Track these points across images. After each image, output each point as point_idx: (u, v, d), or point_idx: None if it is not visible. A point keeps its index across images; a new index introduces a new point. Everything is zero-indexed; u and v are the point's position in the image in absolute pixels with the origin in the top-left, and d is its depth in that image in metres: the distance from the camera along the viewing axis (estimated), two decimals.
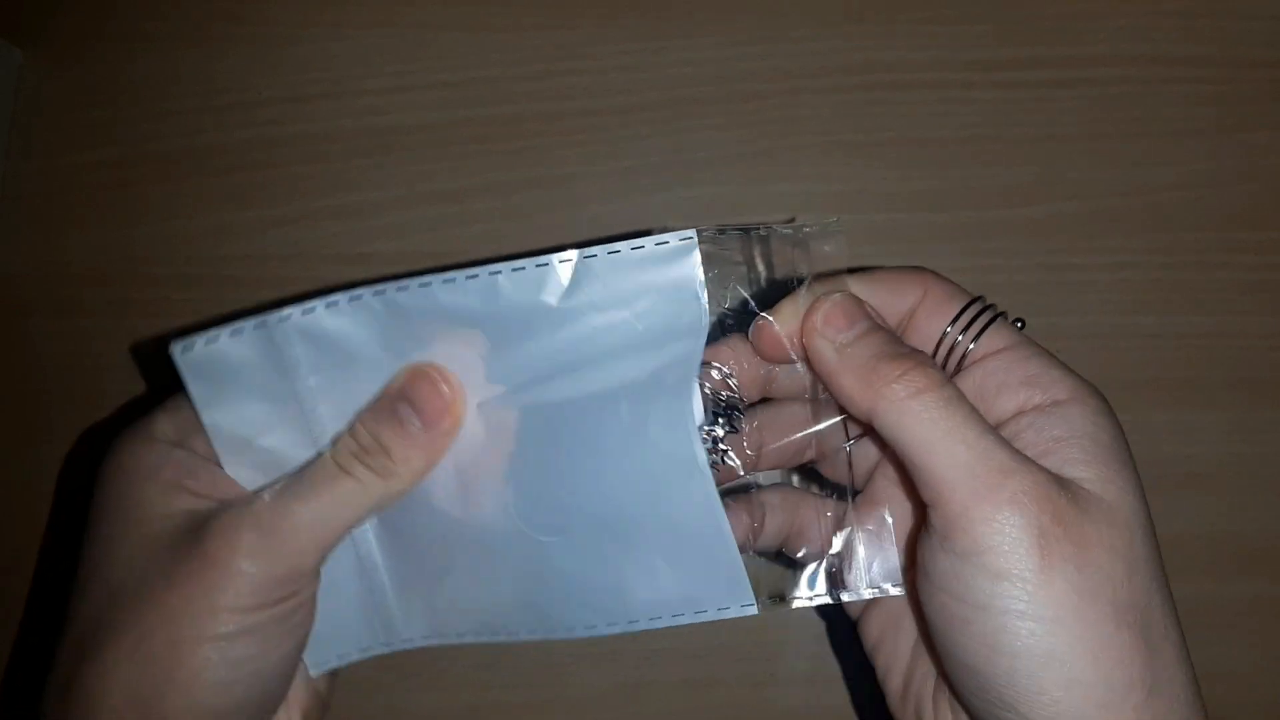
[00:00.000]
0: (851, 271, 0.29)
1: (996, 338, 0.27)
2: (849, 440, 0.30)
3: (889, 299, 0.28)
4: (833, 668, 0.39)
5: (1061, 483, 0.24)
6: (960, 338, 0.28)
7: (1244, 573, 0.39)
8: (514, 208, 0.41)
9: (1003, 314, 0.28)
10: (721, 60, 0.42)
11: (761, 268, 0.29)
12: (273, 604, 0.26)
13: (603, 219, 0.41)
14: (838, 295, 0.27)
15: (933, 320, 0.28)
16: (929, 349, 0.28)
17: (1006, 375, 0.27)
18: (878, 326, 0.27)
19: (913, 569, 0.27)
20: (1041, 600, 0.23)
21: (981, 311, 0.28)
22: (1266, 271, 0.40)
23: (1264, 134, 0.40)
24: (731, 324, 0.29)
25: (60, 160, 0.43)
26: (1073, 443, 0.25)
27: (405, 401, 0.27)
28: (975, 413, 0.25)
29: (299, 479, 0.27)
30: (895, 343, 0.26)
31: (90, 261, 0.42)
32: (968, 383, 0.27)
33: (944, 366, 0.28)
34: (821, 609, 0.39)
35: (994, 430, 0.25)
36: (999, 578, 0.23)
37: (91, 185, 0.43)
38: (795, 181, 0.41)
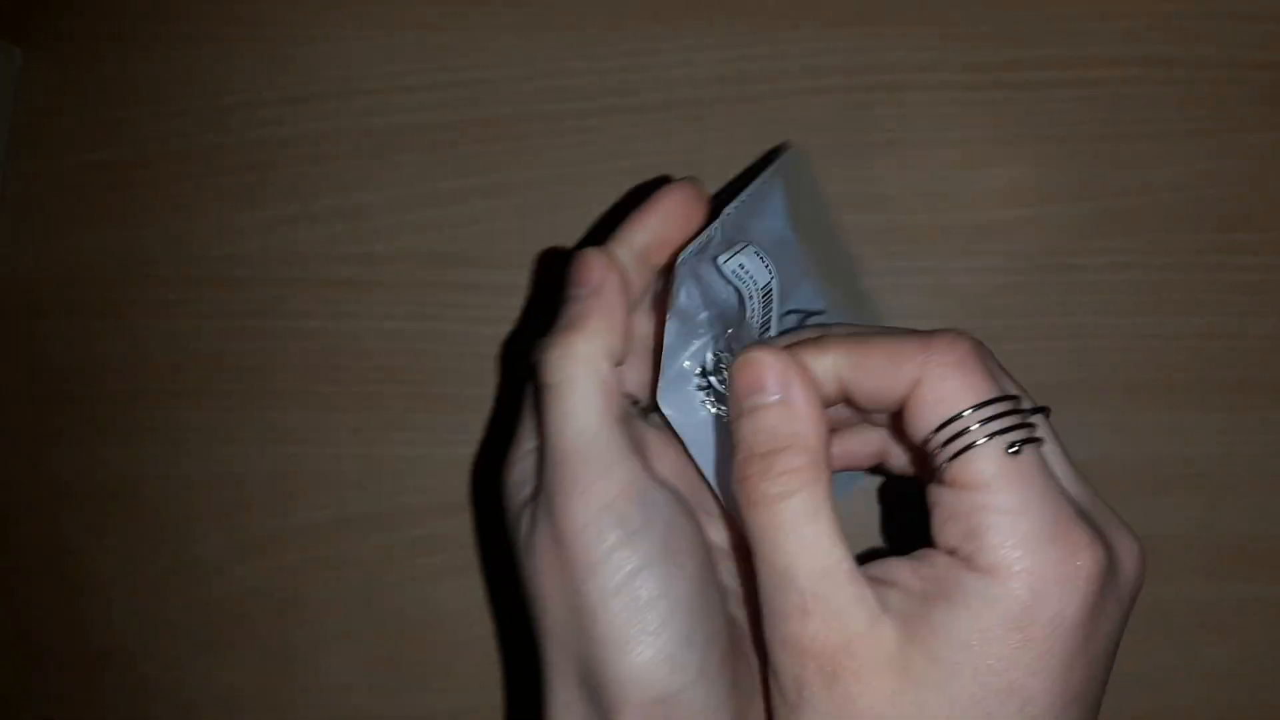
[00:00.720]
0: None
1: (985, 466, 0.22)
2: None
3: (885, 370, 0.24)
4: None
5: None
6: (940, 448, 0.23)
7: (1241, 574, 0.39)
8: (514, 208, 0.41)
9: (1020, 427, 0.22)
10: (721, 61, 0.42)
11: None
12: None
13: (601, 220, 0.41)
14: (752, 354, 0.24)
15: (926, 412, 0.23)
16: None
17: (961, 514, 0.22)
18: (776, 403, 0.23)
19: None
20: None
21: (990, 419, 0.22)
22: (1265, 273, 0.40)
23: (1263, 135, 0.40)
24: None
25: (62, 161, 0.43)
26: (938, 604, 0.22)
27: None
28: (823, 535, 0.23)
29: None
30: (788, 423, 0.23)
31: (92, 262, 0.43)
32: (931, 500, 0.23)
33: (921, 471, 0.24)
34: None
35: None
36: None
37: (93, 186, 0.43)
38: None
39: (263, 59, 0.43)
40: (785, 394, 0.23)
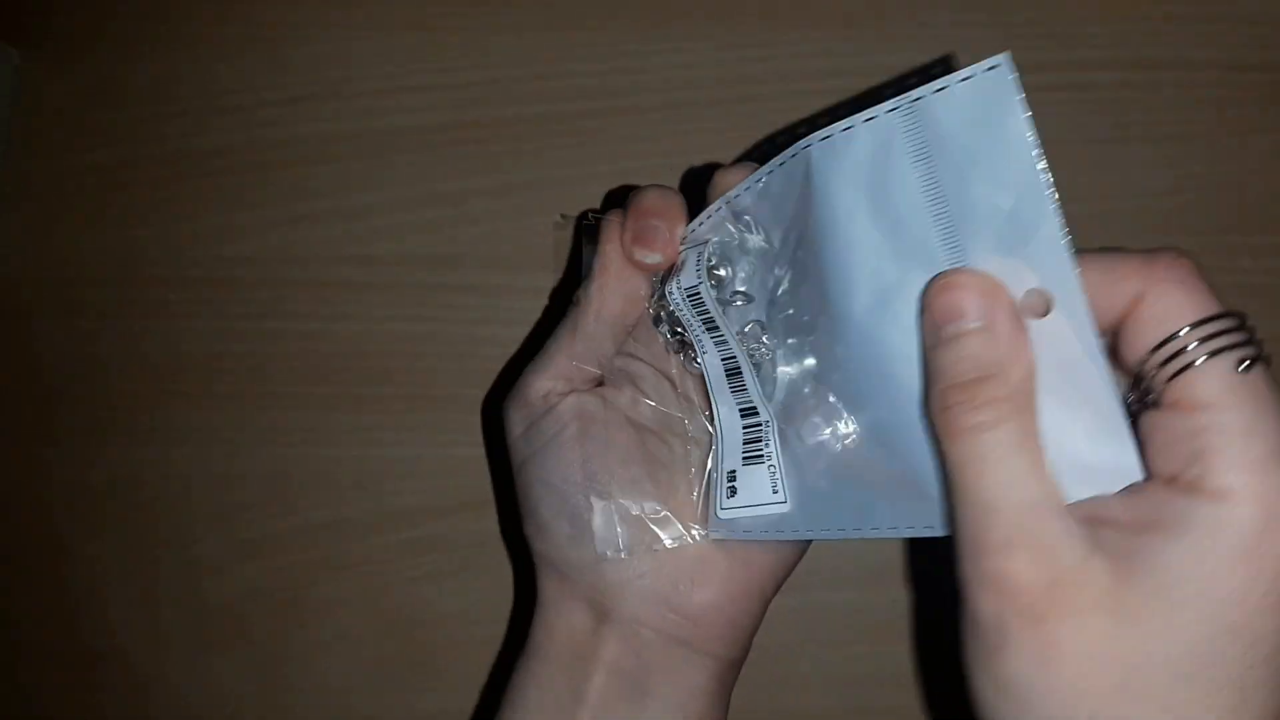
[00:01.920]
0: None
1: (1210, 385, 0.21)
2: None
3: (1102, 285, 0.22)
4: (842, 670, 0.39)
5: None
6: (1158, 369, 0.21)
7: None
8: (513, 209, 0.41)
9: (1247, 345, 0.21)
10: (719, 63, 0.42)
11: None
12: None
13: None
14: (950, 278, 0.22)
15: (1147, 331, 0.21)
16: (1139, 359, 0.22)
17: (1183, 438, 0.21)
18: (980, 329, 0.22)
19: None
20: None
21: (1212, 335, 0.21)
22: (1263, 275, 0.40)
23: (1260, 138, 0.40)
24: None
25: (60, 162, 0.43)
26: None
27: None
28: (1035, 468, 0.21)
29: None
30: (992, 350, 0.22)
31: (90, 263, 0.42)
32: (1142, 430, 0.22)
33: (1137, 397, 0.22)
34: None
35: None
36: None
37: (90, 187, 0.43)
38: None
39: (261, 60, 0.43)
40: (989, 319, 0.22)
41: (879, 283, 0.24)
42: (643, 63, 0.42)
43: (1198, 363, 0.21)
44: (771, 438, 0.30)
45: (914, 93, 0.23)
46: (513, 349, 0.41)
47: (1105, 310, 0.22)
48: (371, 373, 0.41)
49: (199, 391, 0.42)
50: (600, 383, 0.32)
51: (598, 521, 0.30)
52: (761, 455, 0.30)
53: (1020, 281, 0.22)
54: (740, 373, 0.30)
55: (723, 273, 0.31)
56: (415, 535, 0.41)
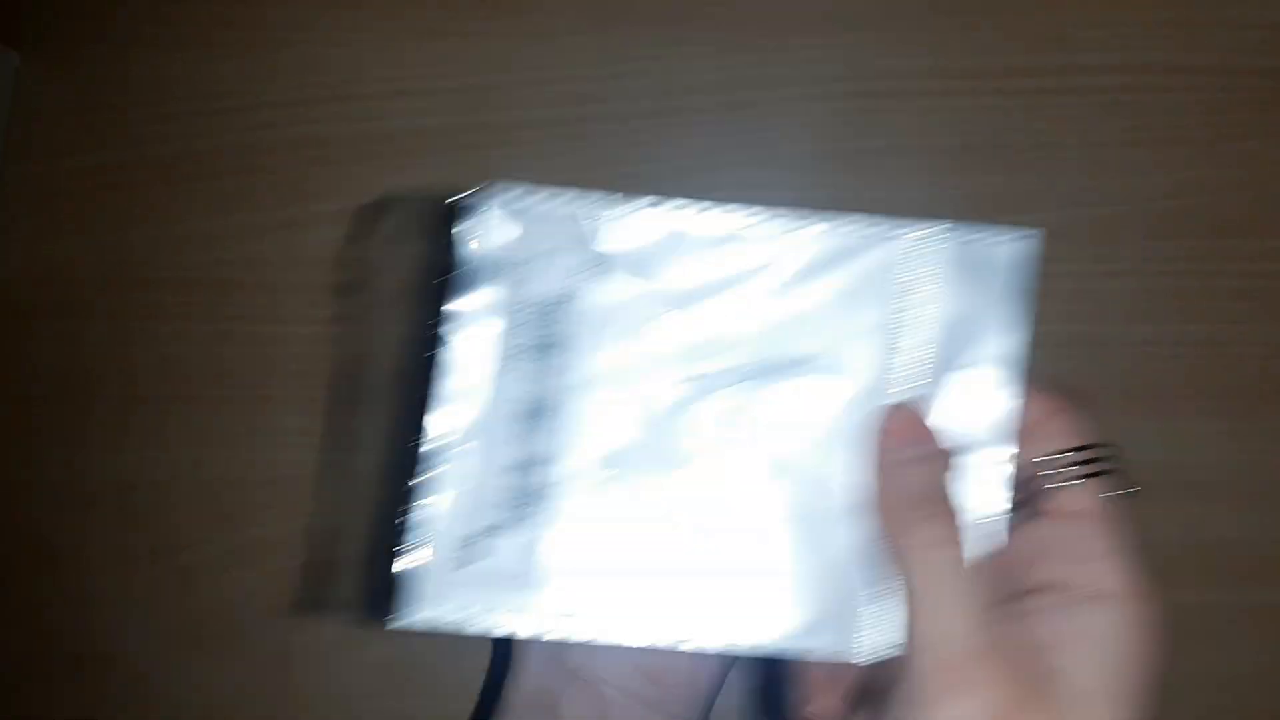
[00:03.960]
0: None
1: (1077, 497, 0.26)
2: None
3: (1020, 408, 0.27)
4: None
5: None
6: (1044, 479, 0.26)
7: (1239, 581, 0.39)
8: None
9: (1111, 473, 0.26)
10: (717, 68, 0.42)
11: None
12: None
13: None
14: (903, 406, 0.26)
15: (1041, 448, 0.27)
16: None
17: (1062, 543, 0.25)
18: (930, 454, 0.26)
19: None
20: None
21: (1083, 462, 0.26)
22: (1261, 279, 0.40)
23: (1259, 142, 0.40)
24: None
25: (57, 163, 0.43)
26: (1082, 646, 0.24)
27: None
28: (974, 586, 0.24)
29: None
30: (937, 478, 0.26)
31: (87, 265, 0.42)
32: (1023, 536, 0.26)
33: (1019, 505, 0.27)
34: None
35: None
36: None
37: (88, 188, 0.43)
38: (790, 189, 0.41)
39: (257, 63, 0.43)
40: (929, 450, 0.26)
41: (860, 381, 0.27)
42: (638, 69, 0.42)
43: (1075, 480, 0.25)
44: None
45: (947, 229, 0.28)
46: None
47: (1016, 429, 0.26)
48: (368, 377, 0.41)
49: (194, 394, 0.41)
50: None
51: None
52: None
53: (972, 413, 0.26)
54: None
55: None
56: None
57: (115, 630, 0.41)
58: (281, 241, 0.42)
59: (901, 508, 0.25)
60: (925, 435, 0.26)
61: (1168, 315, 0.40)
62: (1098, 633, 0.24)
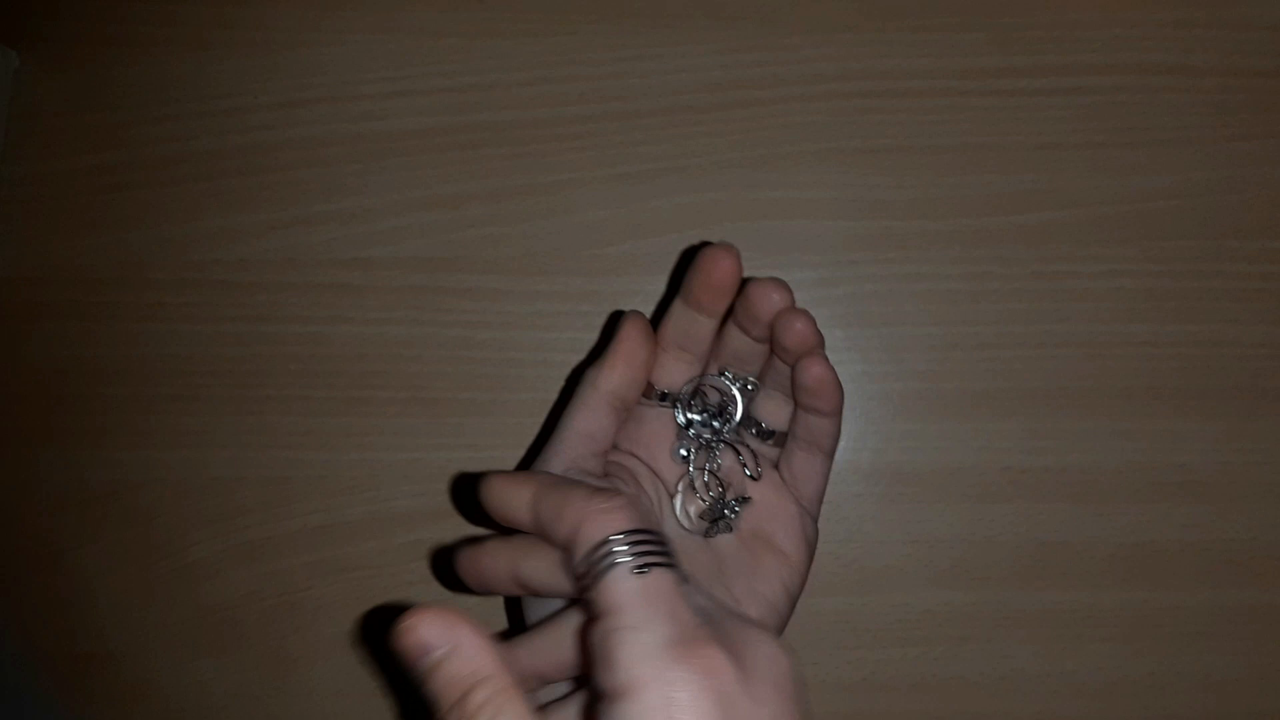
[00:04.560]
0: None
1: (610, 591, 0.24)
2: None
3: (553, 520, 0.27)
4: (836, 675, 0.39)
5: None
6: (584, 576, 0.25)
7: (1236, 581, 0.39)
8: (510, 213, 0.41)
9: (647, 552, 0.25)
10: (717, 67, 0.42)
11: None
12: None
13: (598, 225, 0.41)
14: (408, 622, 0.25)
15: (576, 555, 0.26)
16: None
17: (597, 647, 0.24)
18: (448, 653, 0.25)
19: None
20: None
21: (613, 551, 0.25)
22: (1260, 280, 0.40)
23: (1258, 143, 0.40)
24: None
25: (57, 164, 0.43)
26: None
27: None
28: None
29: None
30: (464, 666, 0.25)
31: (86, 265, 0.42)
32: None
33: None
34: None
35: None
36: None
37: (88, 189, 0.43)
38: (790, 189, 0.41)
39: (258, 63, 0.43)
40: (451, 643, 0.24)
41: None
42: (639, 69, 0.42)
43: (611, 566, 0.24)
44: None
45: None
46: (510, 353, 0.41)
47: (559, 529, 0.26)
48: (368, 376, 0.41)
49: (194, 394, 0.41)
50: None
51: None
52: None
53: None
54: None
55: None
56: (411, 539, 0.41)
57: (115, 630, 0.41)
58: (281, 242, 0.42)
59: (446, 715, 0.24)
60: (428, 642, 0.25)
61: (1165, 315, 0.40)
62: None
